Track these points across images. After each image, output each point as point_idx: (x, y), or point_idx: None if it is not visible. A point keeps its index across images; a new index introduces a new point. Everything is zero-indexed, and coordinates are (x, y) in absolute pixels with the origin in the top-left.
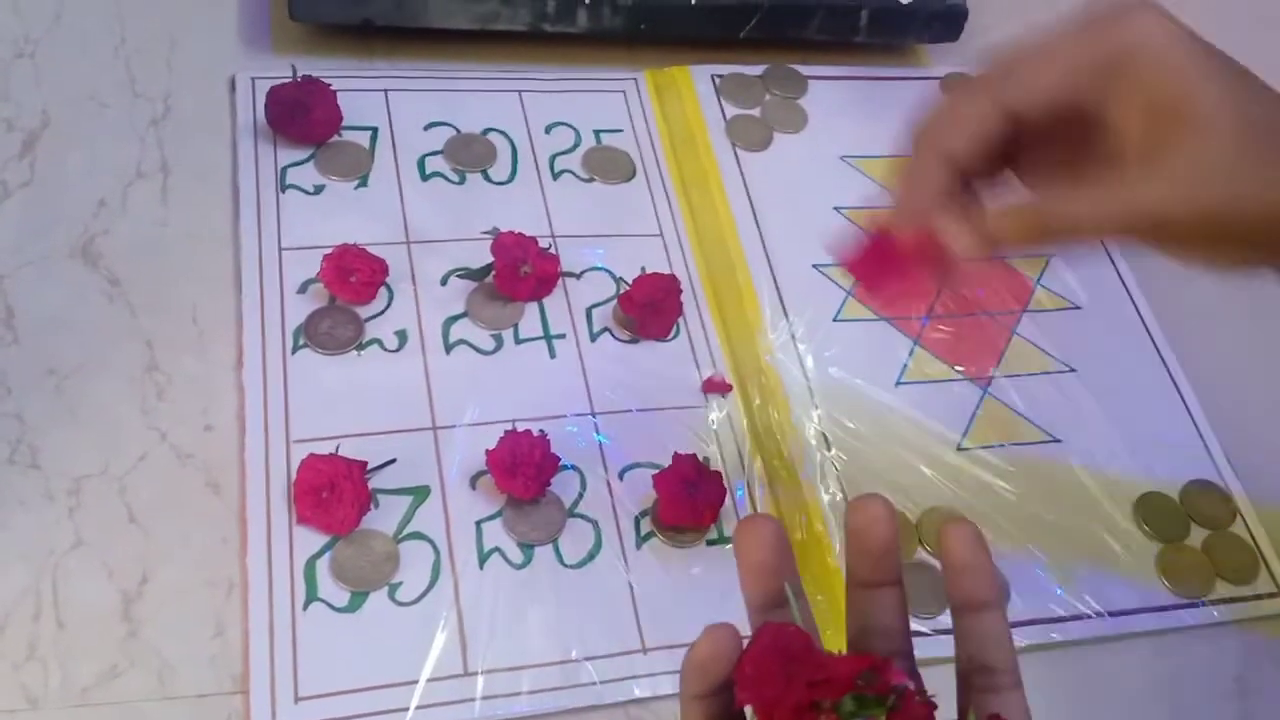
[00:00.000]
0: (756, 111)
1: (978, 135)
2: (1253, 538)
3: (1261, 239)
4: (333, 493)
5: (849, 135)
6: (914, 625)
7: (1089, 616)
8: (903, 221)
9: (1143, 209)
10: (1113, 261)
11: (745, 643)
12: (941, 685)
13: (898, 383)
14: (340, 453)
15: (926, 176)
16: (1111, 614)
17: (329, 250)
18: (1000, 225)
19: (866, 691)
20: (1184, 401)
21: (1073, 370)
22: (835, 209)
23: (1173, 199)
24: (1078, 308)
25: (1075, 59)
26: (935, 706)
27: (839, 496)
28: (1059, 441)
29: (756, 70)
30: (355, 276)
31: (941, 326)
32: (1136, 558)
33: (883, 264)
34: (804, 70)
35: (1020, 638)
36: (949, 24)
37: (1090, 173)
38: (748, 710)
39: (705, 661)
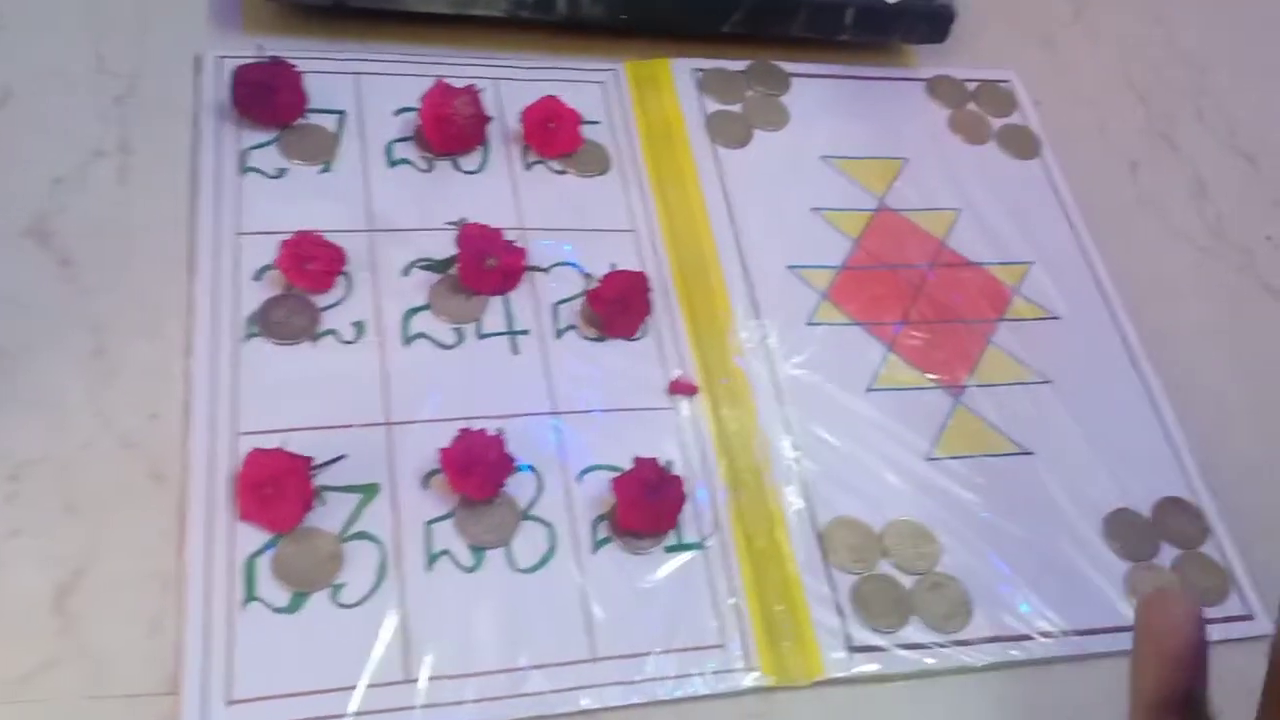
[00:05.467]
0: (737, 107)
1: None
2: (1224, 558)
3: None
4: (276, 488)
5: (831, 135)
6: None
7: (1052, 635)
8: None
9: None
10: (1092, 271)
11: None
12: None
13: (869, 389)
14: (289, 447)
15: None
16: (1076, 633)
17: (288, 236)
18: None
19: None
20: (1160, 417)
21: (1048, 382)
22: (814, 209)
23: None
24: (1057, 318)
25: None
26: None
27: (803, 504)
28: (1030, 454)
29: (739, 65)
30: (312, 264)
31: (915, 333)
32: (1104, 576)
33: None
34: (787, 67)
35: (980, 655)
36: (936, 25)
37: None
38: None
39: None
